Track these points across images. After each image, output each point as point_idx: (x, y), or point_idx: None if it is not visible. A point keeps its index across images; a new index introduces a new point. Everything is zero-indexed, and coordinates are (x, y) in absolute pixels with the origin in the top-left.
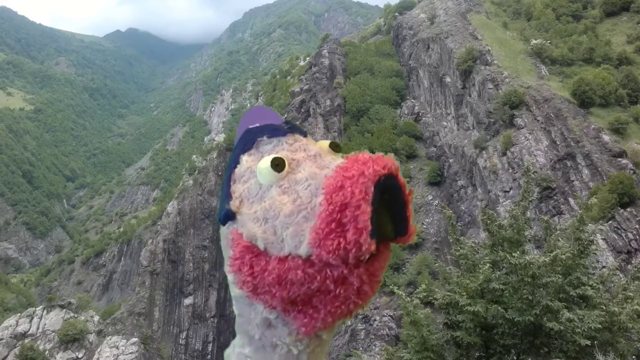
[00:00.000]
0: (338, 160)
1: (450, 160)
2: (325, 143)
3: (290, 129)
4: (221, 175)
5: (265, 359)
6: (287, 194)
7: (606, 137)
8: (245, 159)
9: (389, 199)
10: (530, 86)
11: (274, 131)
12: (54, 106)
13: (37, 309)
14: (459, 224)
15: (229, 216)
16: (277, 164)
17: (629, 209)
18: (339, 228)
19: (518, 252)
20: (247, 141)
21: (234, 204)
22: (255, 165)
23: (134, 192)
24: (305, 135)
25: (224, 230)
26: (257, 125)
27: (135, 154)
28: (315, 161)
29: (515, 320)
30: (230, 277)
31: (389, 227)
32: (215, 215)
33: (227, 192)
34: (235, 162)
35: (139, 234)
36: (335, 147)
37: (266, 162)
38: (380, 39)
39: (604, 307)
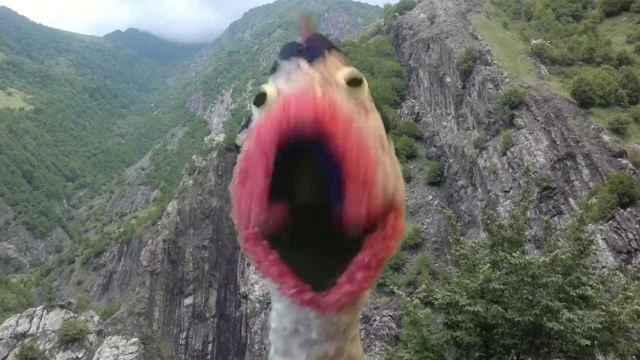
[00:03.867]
0: (300, 93)
1: (450, 160)
2: (343, 73)
3: (300, 52)
4: (221, 175)
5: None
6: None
7: (606, 137)
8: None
9: (317, 155)
10: (530, 86)
11: (286, 51)
12: (54, 106)
13: (37, 309)
14: (459, 224)
15: (238, 147)
16: (257, 97)
17: (629, 209)
18: (245, 181)
19: (518, 252)
20: (271, 68)
21: (241, 138)
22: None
23: (134, 192)
24: (316, 56)
25: None
26: (298, 40)
27: (135, 154)
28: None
29: (515, 320)
30: None
31: (317, 193)
32: None
33: (248, 119)
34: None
35: (139, 234)
36: (352, 82)
37: (254, 94)
38: (380, 39)
39: (604, 307)
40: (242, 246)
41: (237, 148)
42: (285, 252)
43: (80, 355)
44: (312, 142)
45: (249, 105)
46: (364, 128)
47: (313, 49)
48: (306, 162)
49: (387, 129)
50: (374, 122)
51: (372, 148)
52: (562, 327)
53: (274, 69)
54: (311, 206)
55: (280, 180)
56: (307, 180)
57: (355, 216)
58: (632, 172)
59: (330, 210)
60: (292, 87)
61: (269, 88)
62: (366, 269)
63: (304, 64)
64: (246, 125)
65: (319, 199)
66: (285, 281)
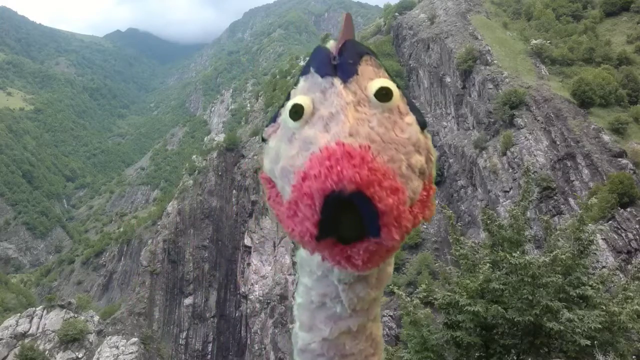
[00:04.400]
0: (334, 135)
1: (450, 160)
2: (374, 87)
3: (334, 68)
4: (221, 175)
5: (307, 256)
6: (292, 145)
7: (606, 137)
8: (300, 83)
9: (358, 207)
10: (530, 86)
11: (322, 66)
12: (54, 106)
13: (37, 309)
14: (459, 224)
15: (264, 139)
16: (295, 111)
17: (629, 209)
18: (295, 215)
19: (518, 252)
20: (307, 64)
21: (267, 131)
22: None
23: (134, 192)
24: (350, 75)
25: None
26: (333, 44)
27: (135, 154)
28: (328, 121)
29: (515, 320)
30: None
31: (356, 226)
32: None
33: (276, 113)
34: (297, 81)
35: (139, 234)
36: (382, 97)
37: (289, 104)
38: (380, 39)
39: (604, 307)
40: (278, 216)
41: (264, 141)
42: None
43: (80, 355)
44: (355, 199)
45: (248, 105)
46: (398, 139)
47: (346, 65)
48: (347, 208)
49: (423, 127)
50: (408, 128)
51: (403, 167)
52: (562, 327)
53: (304, 73)
54: (354, 239)
55: (322, 230)
56: (350, 221)
57: (390, 244)
58: (632, 172)
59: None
60: (328, 109)
61: (305, 101)
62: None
63: (339, 84)
64: (273, 120)
65: (360, 233)
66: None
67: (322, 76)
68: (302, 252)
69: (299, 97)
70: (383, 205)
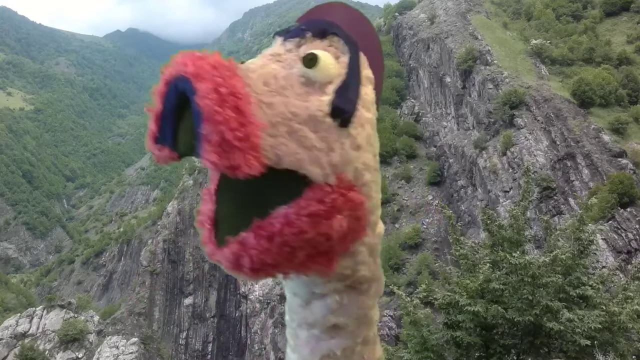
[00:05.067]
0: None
1: (450, 160)
2: (305, 51)
3: (287, 31)
4: None
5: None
6: None
7: (606, 137)
8: None
9: (191, 107)
10: (530, 86)
11: (281, 31)
12: (54, 106)
13: (37, 309)
14: (459, 224)
15: None
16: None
17: (629, 209)
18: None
19: (518, 252)
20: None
21: None
22: None
23: (134, 192)
24: (292, 36)
25: None
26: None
27: (135, 154)
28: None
29: (515, 320)
30: None
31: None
32: None
33: None
34: None
35: (139, 234)
36: (307, 62)
37: None
38: (380, 39)
39: (604, 307)
40: None
41: None
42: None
43: (80, 355)
44: (188, 95)
45: None
46: (293, 102)
47: (296, 29)
48: (186, 115)
49: (336, 116)
50: (315, 102)
51: (280, 123)
52: (562, 327)
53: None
54: (188, 155)
55: (162, 127)
56: (184, 130)
57: (210, 159)
58: (632, 172)
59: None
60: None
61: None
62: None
63: (279, 40)
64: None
65: (192, 148)
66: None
67: (273, 37)
68: None
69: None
70: (204, 101)
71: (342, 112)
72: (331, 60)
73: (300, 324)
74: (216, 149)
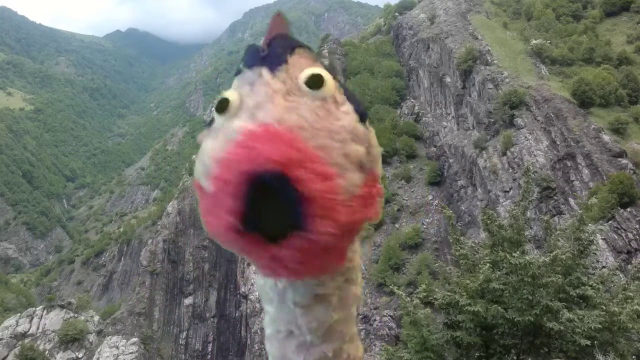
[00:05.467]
0: (265, 118)
1: (450, 160)
2: (305, 75)
3: (263, 60)
4: None
5: (264, 283)
6: (216, 139)
7: (606, 137)
8: (234, 83)
9: (280, 195)
10: (530, 86)
11: (249, 58)
12: (54, 106)
13: (37, 309)
14: (459, 224)
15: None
16: (221, 105)
17: (629, 209)
18: (215, 209)
19: (518, 252)
20: (239, 64)
21: (201, 136)
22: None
23: (134, 192)
24: (278, 64)
25: None
26: (262, 41)
27: (135, 154)
28: (255, 111)
29: (515, 320)
30: None
31: (279, 217)
32: None
33: (210, 122)
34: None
35: (139, 234)
36: (312, 84)
37: (215, 101)
38: (380, 39)
39: (604, 307)
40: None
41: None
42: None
43: (80, 355)
44: (276, 181)
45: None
46: (331, 127)
47: (275, 56)
48: (271, 197)
49: (363, 118)
50: (343, 117)
51: (336, 155)
52: (562, 327)
53: (237, 73)
54: (279, 234)
55: (248, 212)
56: (273, 211)
57: (322, 238)
58: (632, 172)
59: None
60: (254, 99)
61: (232, 95)
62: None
63: (266, 73)
64: (209, 124)
65: (284, 226)
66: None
67: (249, 67)
68: (259, 279)
69: (226, 93)
70: (308, 190)
71: (364, 114)
72: (327, 73)
73: (290, 333)
74: (329, 225)
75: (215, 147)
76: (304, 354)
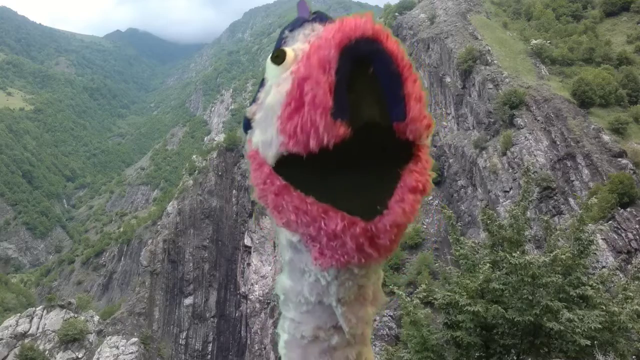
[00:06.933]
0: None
1: (450, 160)
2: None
3: (311, 19)
4: (221, 175)
5: (296, 284)
6: (281, 86)
7: (606, 137)
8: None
9: (376, 71)
10: (530, 86)
11: (294, 23)
12: (54, 106)
13: (37, 309)
14: (459, 224)
15: (246, 124)
16: (277, 56)
17: (629, 209)
18: (300, 107)
19: (518, 252)
20: (277, 41)
21: (250, 110)
22: None
23: (134, 192)
24: (325, 21)
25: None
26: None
27: (135, 154)
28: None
29: (515, 320)
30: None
31: (377, 110)
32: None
33: (254, 97)
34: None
35: (139, 234)
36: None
37: (272, 53)
38: None
39: (604, 307)
40: (272, 203)
41: (247, 121)
42: (321, 191)
43: (80, 355)
44: (372, 58)
45: (248, 105)
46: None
47: (323, 16)
48: (365, 79)
49: None
50: None
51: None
52: (562, 327)
53: (281, 40)
54: (373, 124)
55: (338, 99)
56: (368, 97)
57: (417, 133)
58: (632, 172)
59: (390, 127)
60: (307, 41)
61: (288, 49)
62: (414, 192)
63: (318, 26)
64: (258, 90)
65: (380, 116)
66: (330, 217)
67: (300, 25)
68: (288, 282)
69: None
70: (409, 81)
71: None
72: None
73: (315, 339)
74: (424, 120)
75: (281, 85)
76: (327, 358)
